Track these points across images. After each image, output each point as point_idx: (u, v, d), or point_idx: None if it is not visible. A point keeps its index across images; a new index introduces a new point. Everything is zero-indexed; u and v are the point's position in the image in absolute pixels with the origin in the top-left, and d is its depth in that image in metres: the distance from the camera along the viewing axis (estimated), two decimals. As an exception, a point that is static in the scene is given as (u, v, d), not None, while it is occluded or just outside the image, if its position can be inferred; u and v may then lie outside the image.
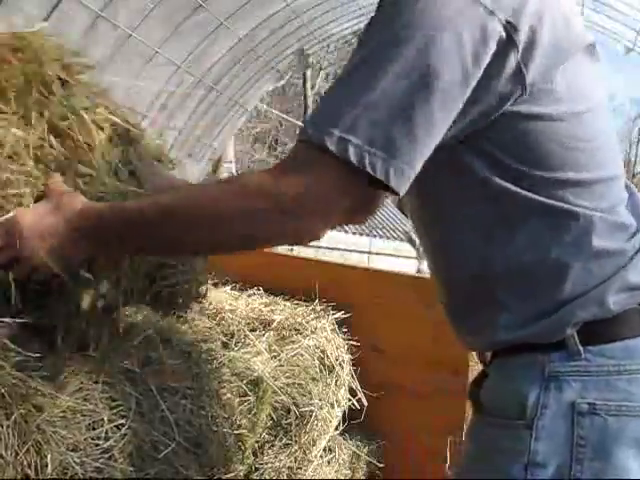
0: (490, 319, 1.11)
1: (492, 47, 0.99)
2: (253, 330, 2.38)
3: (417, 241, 11.05)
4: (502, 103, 1.03)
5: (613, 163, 1.13)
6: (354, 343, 2.73)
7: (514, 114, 1.03)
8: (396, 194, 0.98)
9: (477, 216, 1.09)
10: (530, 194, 1.05)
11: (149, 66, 7.01)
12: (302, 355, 2.42)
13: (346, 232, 17.72)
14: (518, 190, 1.05)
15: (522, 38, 1.01)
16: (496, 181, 1.06)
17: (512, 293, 1.08)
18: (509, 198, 1.06)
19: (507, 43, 1.00)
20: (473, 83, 0.99)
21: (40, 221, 1.13)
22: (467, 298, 1.16)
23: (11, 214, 1.14)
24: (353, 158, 0.94)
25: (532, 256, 1.06)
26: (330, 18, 9.49)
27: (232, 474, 1.90)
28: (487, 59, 0.99)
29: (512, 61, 1.01)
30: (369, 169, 0.94)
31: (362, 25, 11.10)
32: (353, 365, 2.71)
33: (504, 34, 1.00)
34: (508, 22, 1.00)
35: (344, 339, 2.72)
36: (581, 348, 1.04)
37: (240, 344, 2.24)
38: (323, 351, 2.56)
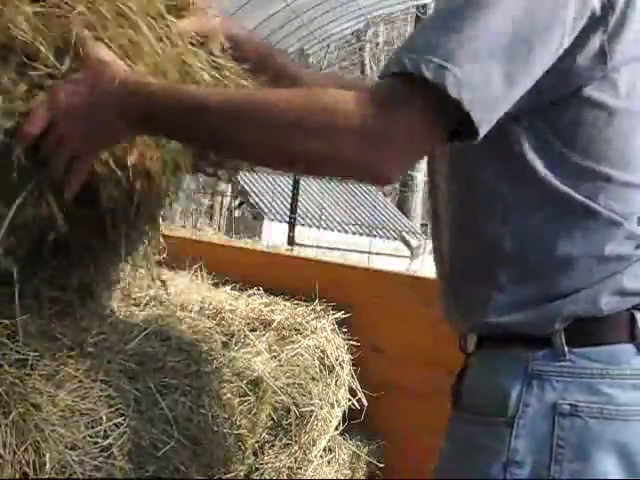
0: (484, 299, 1.09)
1: (586, 15, 0.97)
2: (253, 330, 2.38)
3: (411, 241, 11.03)
4: (579, 80, 1.01)
5: None
6: (354, 343, 2.73)
7: (581, 98, 1.02)
8: (474, 135, 0.93)
9: (498, 193, 1.07)
10: (556, 181, 1.04)
11: (149, 66, 7.02)
12: (302, 355, 2.42)
13: (346, 232, 17.73)
14: (547, 174, 1.04)
15: (613, 19, 0.99)
16: (530, 162, 1.04)
17: (511, 276, 1.07)
18: (533, 179, 1.04)
19: (599, 18, 0.99)
20: (566, 44, 0.97)
21: (78, 96, 1.03)
22: (467, 274, 1.14)
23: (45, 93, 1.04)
24: (450, 88, 0.88)
25: (539, 244, 1.05)
26: (330, 18, 9.50)
27: (232, 474, 1.90)
28: (581, 25, 0.98)
29: (597, 40, 0.99)
30: (465, 103, 0.89)
31: (362, 25, 11.11)
32: (353, 365, 2.71)
33: (598, 8, 0.98)
34: None
35: (344, 339, 2.72)
36: (566, 348, 1.04)
37: (240, 344, 2.24)
38: (323, 351, 2.55)
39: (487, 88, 0.91)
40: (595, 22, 0.99)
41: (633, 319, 1.05)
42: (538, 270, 1.06)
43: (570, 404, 1.02)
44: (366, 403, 2.71)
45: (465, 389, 1.16)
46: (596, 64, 1.01)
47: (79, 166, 1.08)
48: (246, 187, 18.59)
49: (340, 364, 2.61)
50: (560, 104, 1.03)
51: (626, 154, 1.07)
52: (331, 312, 2.79)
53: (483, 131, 0.93)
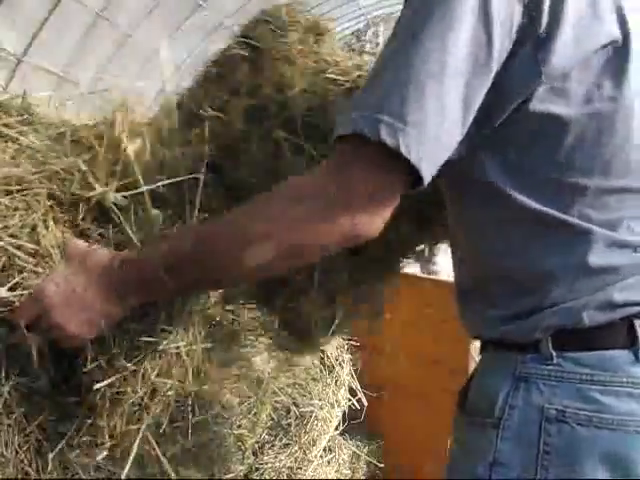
0: (480, 313, 1.12)
1: (514, 28, 0.94)
2: (253, 330, 2.38)
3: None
4: (517, 96, 0.98)
5: (636, 173, 1.04)
6: (354, 343, 2.73)
7: (527, 113, 0.99)
8: (420, 182, 0.93)
9: (479, 220, 1.09)
10: (527, 199, 1.03)
11: (149, 66, 7.01)
12: (302, 355, 2.43)
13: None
14: (515, 194, 1.03)
15: (540, 28, 0.95)
16: (496, 184, 1.03)
17: (501, 292, 1.08)
18: (504, 202, 1.04)
19: (526, 27, 0.95)
20: (497, 66, 0.95)
21: (67, 286, 1.06)
22: (467, 294, 1.17)
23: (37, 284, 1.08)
24: (386, 138, 0.89)
25: (522, 261, 1.05)
26: (330, 18, 9.52)
27: (232, 474, 1.90)
28: (508, 46, 0.95)
29: (525, 53, 0.96)
30: (403, 150, 0.89)
31: (362, 25, 11.10)
32: (353, 365, 2.71)
33: (523, 17, 0.95)
34: (530, 3, 0.94)
35: (344, 339, 2.72)
36: (553, 352, 1.02)
37: (240, 344, 2.24)
38: (323, 351, 2.56)
39: (433, 140, 0.91)
40: (522, 29, 0.95)
41: (632, 327, 1.01)
42: (524, 285, 1.06)
43: (557, 409, 1.00)
44: (366, 403, 2.71)
45: (469, 391, 1.15)
46: (530, 76, 0.97)
47: (76, 344, 1.09)
48: (246, 187, 18.60)
49: (340, 364, 2.62)
50: (509, 124, 1.00)
51: (602, 159, 1.01)
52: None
53: (428, 179, 0.93)
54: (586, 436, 0.98)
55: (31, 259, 1.10)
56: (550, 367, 1.02)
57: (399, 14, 1.00)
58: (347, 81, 1.39)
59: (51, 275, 1.08)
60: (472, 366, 3.06)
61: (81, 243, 1.12)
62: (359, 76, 1.39)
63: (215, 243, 0.99)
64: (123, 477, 1.23)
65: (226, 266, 1.00)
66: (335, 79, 1.38)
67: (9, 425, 1.12)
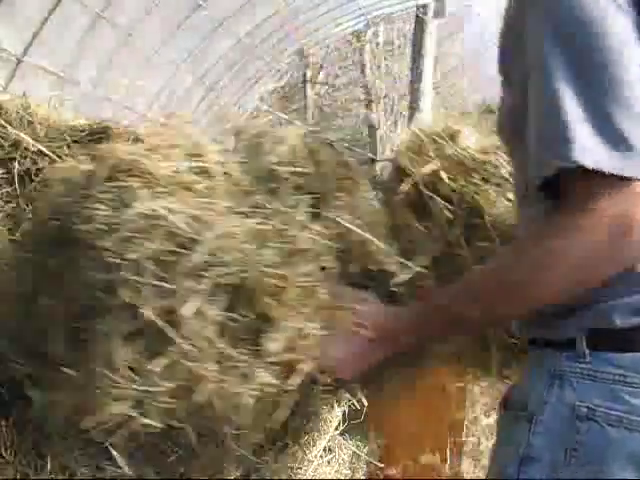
0: (522, 317, 1.17)
1: None
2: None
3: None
4: None
5: None
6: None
7: None
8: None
9: (525, 219, 1.14)
10: None
11: (149, 66, 7.00)
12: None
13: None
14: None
15: None
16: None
17: None
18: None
19: None
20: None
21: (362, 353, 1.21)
22: None
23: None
24: (616, 167, 0.93)
25: None
26: (330, 18, 9.50)
27: (232, 474, 1.90)
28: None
29: None
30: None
31: (362, 25, 11.10)
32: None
33: None
34: None
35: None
36: (587, 351, 1.04)
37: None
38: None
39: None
40: None
41: None
42: None
43: (588, 407, 1.01)
44: (366, 403, 2.71)
45: (513, 389, 1.21)
46: None
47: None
48: (246, 187, 18.58)
49: (340, 364, 2.61)
50: None
51: None
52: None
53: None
54: (615, 437, 1.00)
55: None
56: (583, 365, 1.04)
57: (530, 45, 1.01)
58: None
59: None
60: (472, 366, 3.06)
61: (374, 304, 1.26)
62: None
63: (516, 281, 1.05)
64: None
65: (530, 298, 1.05)
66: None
67: (7, 426, 1.12)
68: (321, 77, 23.20)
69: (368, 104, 22.06)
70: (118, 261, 1.08)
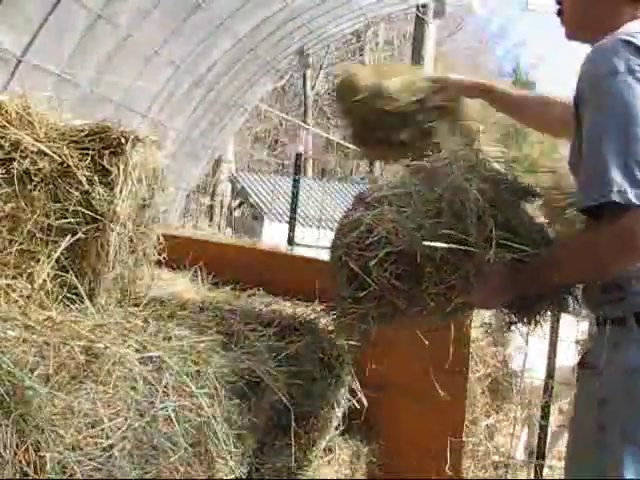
0: (592, 297, 1.69)
1: None
2: (253, 330, 2.38)
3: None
4: None
5: None
6: (354, 343, 2.73)
7: None
8: None
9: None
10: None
11: (149, 66, 7.00)
12: (302, 355, 2.42)
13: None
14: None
15: None
16: None
17: (606, 282, 1.61)
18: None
19: None
20: None
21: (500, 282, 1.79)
22: (584, 287, 1.76)
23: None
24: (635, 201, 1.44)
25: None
26: (330, 18, 9.49)
27: (232, 474, 1.90)
28: None
29: None
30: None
31: (362, 25, 11.08)
32: (353, 365, 2.71)
33: None
34: None
35: (344, 339, 2.72)
36: (635, 327, 1.54)
37: (240, 344, 2.24)
38: (323, 351, 2.55)
39: None
40: None
41: None
42: (620, 278, 1.58)
43: (636, 365, 1.51)
44: (366, 403, 2.71)
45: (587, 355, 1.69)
46: None
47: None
48: (246, 187, 18.57)
49: (340, 364, 2.61)
50: None
51: None
52: (331, 312, 2.79)
53: None
54: None
55: None
56: (634, 337, 1.54)
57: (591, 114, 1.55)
58: None
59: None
60: (472, 367, 3.06)
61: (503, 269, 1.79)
62: None
63: (587, 256, 1.61)
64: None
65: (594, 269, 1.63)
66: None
67: (7, 426, 1.12)
68: (321, 77, 23.22)
69: (368, 104, 22.03)
70: None
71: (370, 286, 1.85)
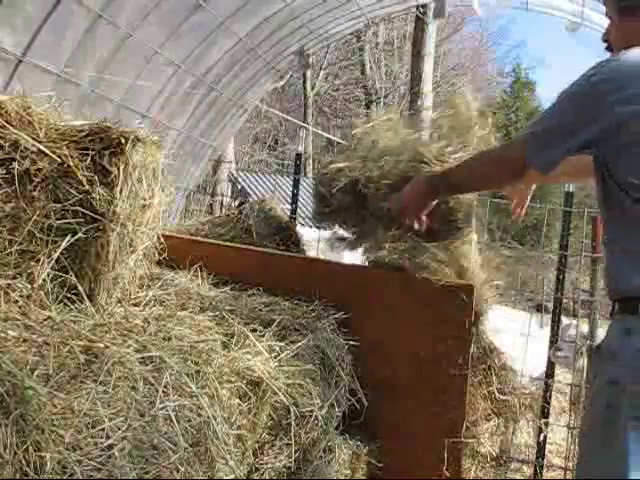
0: (608, 286, 1.92)
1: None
2: (253, 330, 2.38)
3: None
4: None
5: None
6: (354, 343, 2.73)
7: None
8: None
9: (608, 206, 1.88)
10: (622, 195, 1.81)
11: (149, 66, 6.99)
12: (302, 355, 2.42)
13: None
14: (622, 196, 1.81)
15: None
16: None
17: (617, 272, 1.86)
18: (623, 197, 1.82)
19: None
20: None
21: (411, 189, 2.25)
22: (605, 274, 1.98)
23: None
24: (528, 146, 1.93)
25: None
26: (330, 18, 9.49)
27: (232, 474, 1.90)
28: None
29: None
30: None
31: (361, 25, 11.07)
32: (353, 365, 2.71)
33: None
34: None
35: (344, 339, 2.72)
36: None
37: (240, 344, 2.24)
38: (323, 351, 2.55)
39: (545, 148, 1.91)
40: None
41: None
42: (624, 268, 1.84)
43: None
44: (366, 403, 2.71)
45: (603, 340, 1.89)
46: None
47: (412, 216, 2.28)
48: (246, 187, 18.58)
49: (340, 364, 2.61)
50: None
51: None
52: (331, 312, 2.79)
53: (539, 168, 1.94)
54: None
55: None
56: None
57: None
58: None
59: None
60: (472, 366, 3.05)
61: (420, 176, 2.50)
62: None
63: (484, 167, 2.11)
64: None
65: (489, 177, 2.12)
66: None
67: (7, 426, 1.12)
68: (321, 77, 23.21)
69: (368, 104, 22.08)
70: None
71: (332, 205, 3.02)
